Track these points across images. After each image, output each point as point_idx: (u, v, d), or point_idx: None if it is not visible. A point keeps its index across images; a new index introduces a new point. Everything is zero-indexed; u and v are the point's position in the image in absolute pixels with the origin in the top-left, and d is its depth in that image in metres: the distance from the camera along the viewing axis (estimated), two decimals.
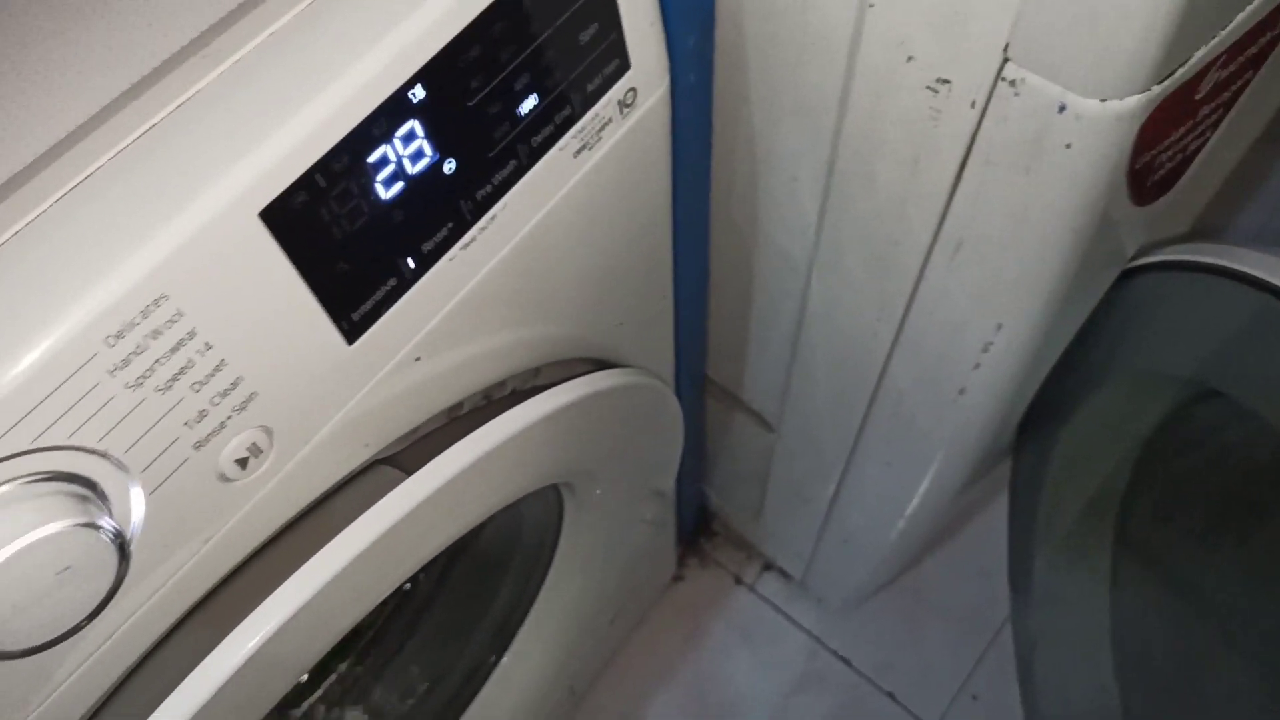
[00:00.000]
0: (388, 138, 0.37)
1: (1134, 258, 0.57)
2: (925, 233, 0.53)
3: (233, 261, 0.34)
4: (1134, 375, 0.61)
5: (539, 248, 0.47)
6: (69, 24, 0.37)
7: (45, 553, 0.32)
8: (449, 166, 0.40)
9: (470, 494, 0.49)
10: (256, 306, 0.36)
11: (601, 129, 0.47)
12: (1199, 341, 0.55)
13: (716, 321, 0.78)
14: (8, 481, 0.32)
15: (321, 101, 0.35)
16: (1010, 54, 0.42)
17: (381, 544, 0.44)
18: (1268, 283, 0.51)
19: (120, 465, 0.35)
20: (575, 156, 0.46)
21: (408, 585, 0.79)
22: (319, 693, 0.82)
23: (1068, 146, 0.43)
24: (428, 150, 0.39)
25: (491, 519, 0.53)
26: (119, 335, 0.32)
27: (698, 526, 1.15)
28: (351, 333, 0.40)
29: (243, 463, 0.39)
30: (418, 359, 0.44)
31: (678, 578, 1.14)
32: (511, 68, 0.40)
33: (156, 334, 0.33)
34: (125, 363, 0.33)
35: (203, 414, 0.36)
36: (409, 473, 0.45)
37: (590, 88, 0.45)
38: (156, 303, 0.33)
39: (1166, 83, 0.41)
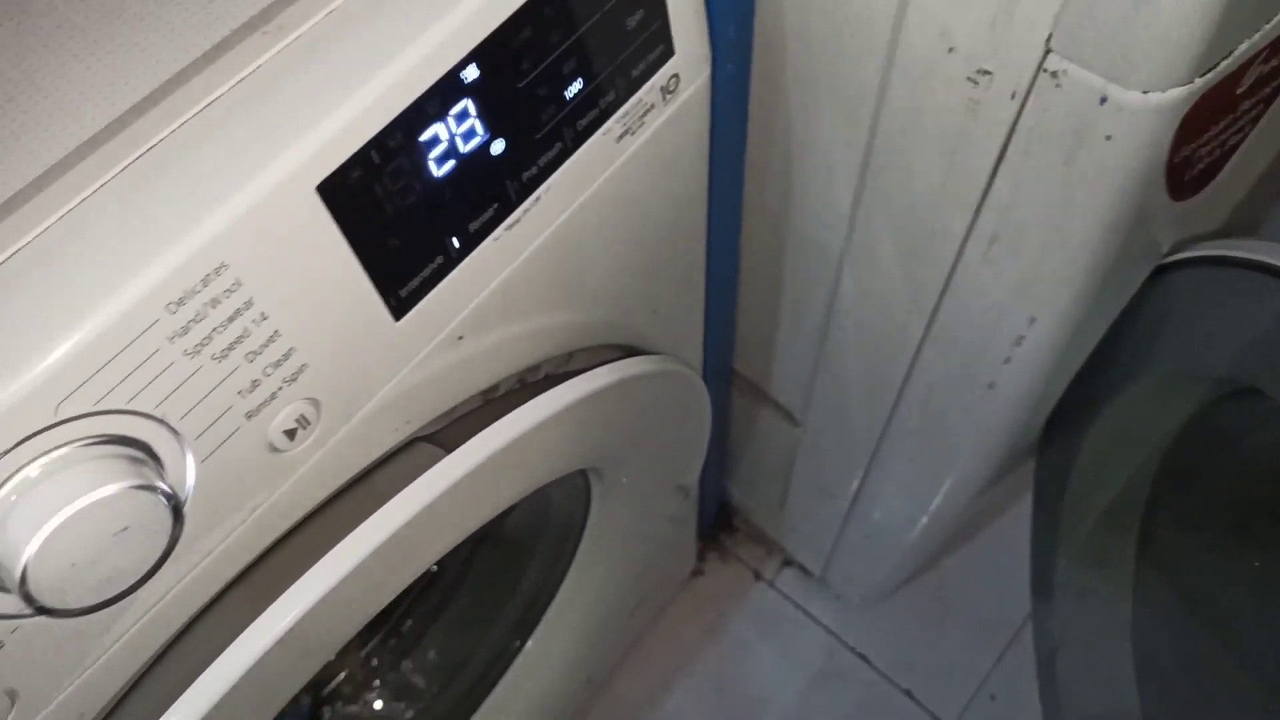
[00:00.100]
0: (441, 116, 0.38)
1: (1168, 253, 0.57)
2: (960, 224, 0.53)
3: (290, 234, 0.35)
4: (1164, 373, 0.61)
5: (579, 230, 0.48)
6: (138, 2, 0.38)
7: (104, 514, 0.33)
8: (497, 147, 0.41)
9: (508, 473, 0.49)
10: (310, 279, 0.37)
11: (644, 114, 0.47)
12: (1234, 338, 0.55)
13: (745, 312, 0.78)
14: (68, 444, 0.33)
15: (380, 78, 0.35)
16: (1053, 45, 0.42)
17: (422, 518, 0.44)
18: None
19: (175, 431, 0.36)
20: (618, 141, 0.47)
21: (435, 568, 0.80)
22: (343, 675, 0.83)
23: (1108, 139, 0.43)
24: (479, 129, 0.40)
25: (517, 506, 0.54)
26: (180, 302, 0.33)
27: (718, 521, 1.15)
28: (399, 309, 0.41)
29: (291, 434, 0.40)
30: (460, 338, 0.45)
31: (698, 572, 1.14)
32: (560, 50, 0.41)
33: (215, 302, 0.34)
34: (185, 330, 0.34)
35: (255, 384, 0.37)
36: (449, 450, 0.46)
37: (635, 73, 0.45)
38: (217, 271, 0.33)
39: (1209, 75, 0.41)
